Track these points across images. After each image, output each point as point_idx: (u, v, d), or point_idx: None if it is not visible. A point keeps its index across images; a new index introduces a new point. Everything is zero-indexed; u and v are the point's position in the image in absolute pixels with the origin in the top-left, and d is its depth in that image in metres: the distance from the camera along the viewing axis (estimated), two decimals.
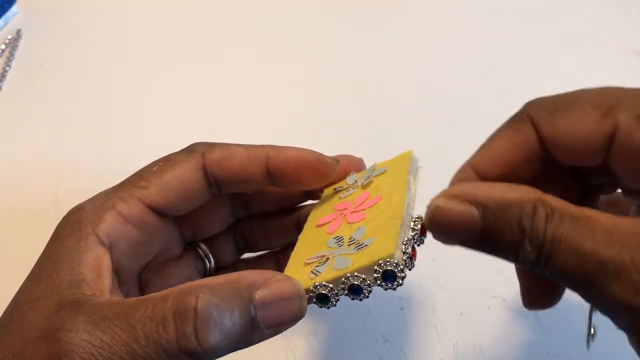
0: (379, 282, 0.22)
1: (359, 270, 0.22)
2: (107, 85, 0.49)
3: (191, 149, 0.28)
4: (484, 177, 0.25)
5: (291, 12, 0.54)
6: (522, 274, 0.26)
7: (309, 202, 0.32)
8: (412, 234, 0.23)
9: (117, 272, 0.25)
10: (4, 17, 0.53)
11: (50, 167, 0.43)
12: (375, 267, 0.22)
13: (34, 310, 0.22)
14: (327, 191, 0.30)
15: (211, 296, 0.21)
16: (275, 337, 0.34)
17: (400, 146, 0.44)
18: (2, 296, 0.25)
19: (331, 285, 0.23)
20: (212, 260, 0.31)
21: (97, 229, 0.24)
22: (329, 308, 0.23)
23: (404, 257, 0.22)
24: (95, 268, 0.23)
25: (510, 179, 0.24)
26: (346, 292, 0.23)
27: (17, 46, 0.52)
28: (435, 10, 0.54)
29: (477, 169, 0.25)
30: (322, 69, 0.50)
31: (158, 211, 0.26)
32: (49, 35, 0.53)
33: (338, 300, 0.23)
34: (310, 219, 0.29)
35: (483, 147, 0.25)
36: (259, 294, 0.21)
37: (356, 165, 0.30)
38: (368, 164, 0.31)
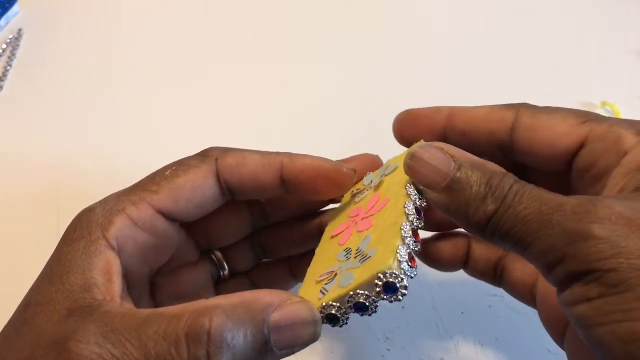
0: (382, 296, 0.21)
1: (361, 287, 0.22)
2: (109, 85, 0.49)
3: (205, 154, 0.27)
4: (450, 124, 0.28)
5: (294, 12, 0.55)
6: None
7: (331, 206, 0.31)
8: (408, 241, 0.22)
9: (127, 276, 0.25)
10: (5, 17, 0.53)
11: (52, 167, 0.44)
12: (376, 281, 0.21)
13: (45, 314, 0.22)
14: (346, 196, 0.29)
15: (225, 319, 0.21)
16: None
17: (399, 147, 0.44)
18: (5, 293, 0.25)
19: (338, 305, 0.22)
20: (227, 269, 0.31)
21: (107, 233, 0.24)
22: (341, 327, 0.23)
23: (402, 266, 0.21)
24: (105, 272, 0.23)
25: (463, 140, 0.27)
26: (353, 310, 0.22)
27: (18, 46, 0.52)
28: (436, 10, 0.54)
29: (452, 114, 0.28)
30: (324, 68, 0.50)
31: (168, 216, 0.26)
32: (51, 35, 0.53)
33: (348, 318, 0.22)
34: (327, 228, 0.29)
35: (470, 107, 0.28)
36: (274, 317, 0.21)
37: (373, 164, 0.29)
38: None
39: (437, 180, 0.23)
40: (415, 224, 0.23)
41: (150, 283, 0.28)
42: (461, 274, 0.33)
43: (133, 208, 0.25)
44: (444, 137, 0.28)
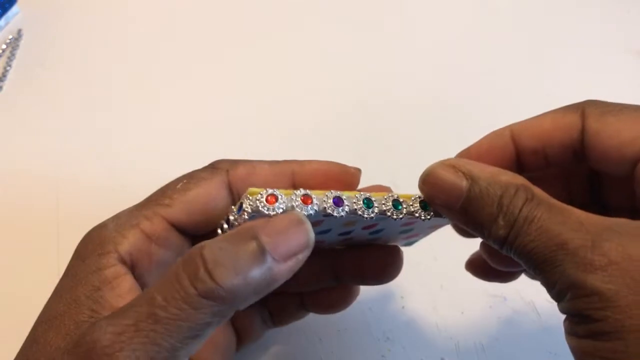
0: (236, 209, 0.23)
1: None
2: (108, 86, 0.49)
3: (214, 166, 0.27)
4: (518, 145, 0.27)
5: (294, 18, 0.54)
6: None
7: None
8: (294, 196, 0.23)
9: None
10: (4, 17, 0.53)
11: (51, 167, 0.43)
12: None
13: (53, 328, 0.22)
14: None
15: (214, 242, 0.21)
16: (275, 334, 0.34)
17: (399, 149, 0.44)
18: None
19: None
20: None
21: (120, 247, 0.24)
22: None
23: (257, 196, 0.22)
24: (115, 287, 0.23)
25: (537, 157, 0.26)
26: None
27: (17, 46, 0.52)
28: (435, 11, 0.54)
29: (514, 135, 0.27)
30: (323, 72, 0.50)
31: (182, 230, 0.26)
32: (50, 35, 0.53)
33: None
34: None
35: (528, 119, 0.27)
36: (262, 229, 0.21)
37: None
38: (368, 166, 0.30)
39: (451, 202, 0.24)
40: (324, 205, 0.23)
41: None
42: (461, 273, 0.32)
43: (147, 222, 0.25)
44: (518, 163, 0.27)
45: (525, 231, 0.21)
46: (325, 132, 0.45)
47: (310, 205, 0.23)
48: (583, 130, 0.25)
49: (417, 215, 0.25)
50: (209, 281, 0.20)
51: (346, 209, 0.24)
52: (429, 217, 0.25)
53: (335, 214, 0.23)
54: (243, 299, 0.21)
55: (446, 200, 0.24)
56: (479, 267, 0.31)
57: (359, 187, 0.29)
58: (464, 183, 0.23)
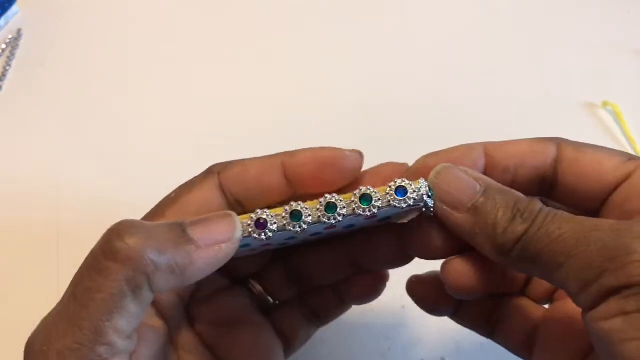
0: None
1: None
2: (108, 86, 0.49)
3: (207, 171, 0.27)
4: (491, 160, 0.26)
5: (291, 12, 0.54)
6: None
7: None
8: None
9: (156, 307, 0.26)
10: (4, 17, 0.53)
11: (51, 167, 0.43)
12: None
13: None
14: None
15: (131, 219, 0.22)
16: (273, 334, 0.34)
17: (399, 147, 0.44)
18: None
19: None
20: (266, 296, 0.30)
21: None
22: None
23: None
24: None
25: (506, 176, 0.26)
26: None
27: (17, 46, 0.52)
28: (435, 11, 0.54)
29: (488, 150, 0.26)
30: (323, 72, 0.50)
31: None
32: (50, 35, 0.53)
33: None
34: None
35: (503, 141, 0.27)
36: (189, 220, 0.22)
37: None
38: (368, 166, 0.30)
39: (463, 200, 0.23)
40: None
41: (188, 313, 0.28)
42: None
43: None
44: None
45: (550, 221, 0.21)
46: (325, 132, 0.45)
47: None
48: (558, 159, 0.25)
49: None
50: (116, 241, 0.20)
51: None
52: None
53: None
54: (152, 268, 0.20)
55: (458, 197, 0.23)
56: (424, 291, 0.28)
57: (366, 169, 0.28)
58: (477, 185, 0.23)
